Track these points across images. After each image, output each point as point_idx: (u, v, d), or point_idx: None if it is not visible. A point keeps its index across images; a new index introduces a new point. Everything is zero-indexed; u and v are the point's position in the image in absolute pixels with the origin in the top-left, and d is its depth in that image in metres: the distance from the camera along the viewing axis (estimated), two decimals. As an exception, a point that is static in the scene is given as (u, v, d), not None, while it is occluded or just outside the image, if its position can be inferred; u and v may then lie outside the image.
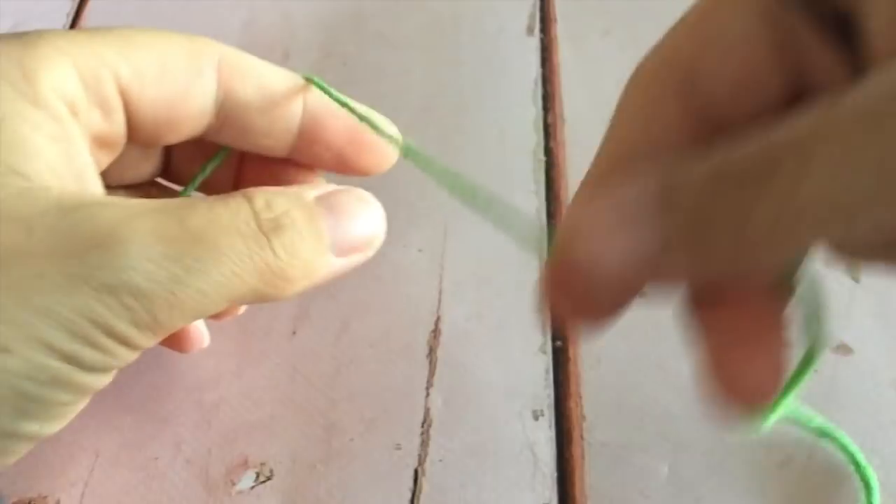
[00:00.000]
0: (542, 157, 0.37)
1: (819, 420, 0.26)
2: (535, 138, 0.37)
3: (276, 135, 0.27)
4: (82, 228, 0.20)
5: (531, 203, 0.35)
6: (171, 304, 0.21)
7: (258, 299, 0.24)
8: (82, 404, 0.23)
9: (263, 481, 0.29)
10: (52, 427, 0.22)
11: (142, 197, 0.28)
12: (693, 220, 0.15)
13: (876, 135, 0.13)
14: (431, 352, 0.32)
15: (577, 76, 0.39)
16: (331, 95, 0.27)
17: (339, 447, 0.30)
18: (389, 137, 0.28)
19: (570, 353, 0.32)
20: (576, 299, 0.17)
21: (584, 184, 0.20)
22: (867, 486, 0.27)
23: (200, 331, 0.31)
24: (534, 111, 0.38)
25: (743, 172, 0.14)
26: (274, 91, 0.27)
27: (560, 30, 0.41)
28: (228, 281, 0.22)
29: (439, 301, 0.33)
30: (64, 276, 0.20)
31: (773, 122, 0.15)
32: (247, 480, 0.29)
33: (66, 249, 0.20)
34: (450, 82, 0.39)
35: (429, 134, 0.37)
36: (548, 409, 0.30)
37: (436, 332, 0.32)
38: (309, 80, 0.27)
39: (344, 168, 0.28)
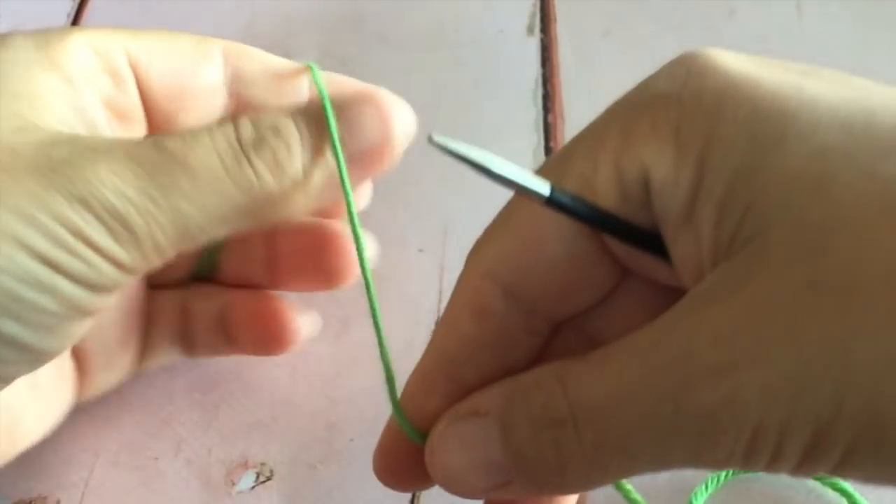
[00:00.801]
0: (542, 158, 0.37)
1: None
2: (535, 138, 0.37)
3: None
4: (63, 151, 0.21)
5: (531, 203, 0.35)
6: (148, 221, 0.22)
7: (261, 219, 0.24)
8: (79, 325, 0.23)
9: (263, 481, 0.29)
10: (44, 339, 0.22)
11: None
12: (525, 462, 0.19)
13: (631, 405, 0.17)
14: (431, 352, 0.32)
15: (577, 76, 0.39)
16: (320, 90, 0.27)
17: (339, 447, 0.30)
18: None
19: (570, 353, 0.31)
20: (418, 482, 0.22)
21: (421, 374, 0.22)
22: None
23: (290, 327, 0.30)
24: (534, 111, 0.38)
25: (556, 424, 0.18)
26: (279, 70, 0.28)
27: (560, 30, 0.41)
28: (207, 198, 0.22)
29: (439, 301, 0.33)
30: (41, 186, 0.21)
31: (597, 313, 0.21)
32: (247, 480, 0.29)
33: (46, 167, 0.21)
34: (450, 82, 0.39)
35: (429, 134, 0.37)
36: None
37: (436, 332, 0.32)
38: (308, 69, 0.27)
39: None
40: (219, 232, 0.23)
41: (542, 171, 0.20)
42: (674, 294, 0.18)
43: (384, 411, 0.30)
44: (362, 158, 0.24)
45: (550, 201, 0.18)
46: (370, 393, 0.31)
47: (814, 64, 0.41)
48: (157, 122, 0.27)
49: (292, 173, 0.23)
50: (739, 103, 0.17)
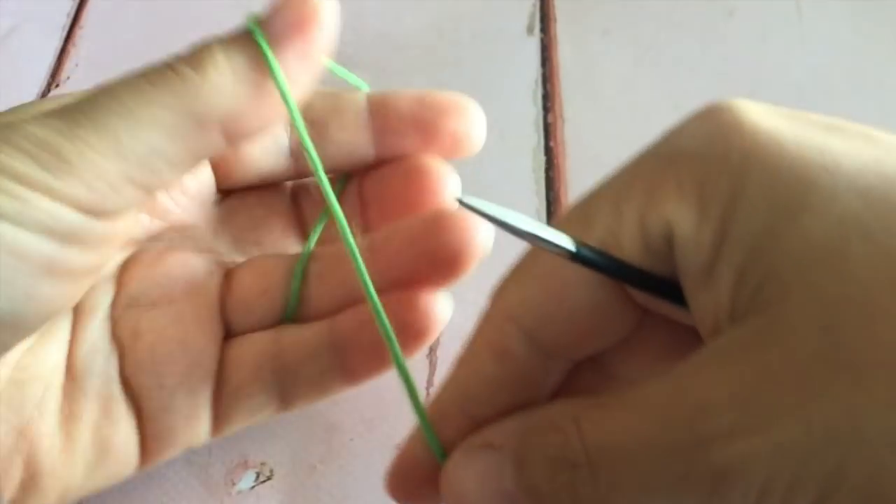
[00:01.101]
0: (542, 157, 0.37)
1: None
2: (535, 138, 0.37)
3: (349, 134, 0.28)
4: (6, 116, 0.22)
5: (531, 203, 0.35)
6: (80, 147, 0.21)
7: (211, 132, 0.23)
8: (60, 286, 0.22)
9: (263, 481, 0.29)
10: (18, 304, 0.22)
11: None
12: (540, 498, 0.19)
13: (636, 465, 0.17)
14: (431, 352, 0.32)
15: (577, 76, 0.39)
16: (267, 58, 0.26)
17: (339, 447, 0.30)
18: (355, 82, 0.28)
19: (570, 353, 0.32)
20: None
21: (438, 407, 0.22)
22: None
23: (431, 316, 0.27)
24: (534, 111, 0.38)
25: (572, 466, 0.18)
26: (333, 91, 0.28)
27: (560, 30, 0.41)
28: (137, 111, 0.22)
29: (439, 301, 0.33)
30: None
31: (617, 354, 0.21)
32: (247, 480, 0.29)
33: None
34: (450, 82, 0.39)
35: (429, 134, 0.37)
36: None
37: (436, 332, 0.32)
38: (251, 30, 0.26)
39: (432, 144, 0.28)
40: (176, 153, 0.22)
41: (565, 220, 0.21)
42: (692, 334, 0.19)
43: (384, 412, 0.30)
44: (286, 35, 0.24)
45: (576, 256, 0.19)
46: (370, 393, 0.31)
47: (814, 64, 0.41)
48: (221, 155, 0.28)
49: (214, 65, 0.23)
50: (763, 168, 0.18)
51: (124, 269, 0.28)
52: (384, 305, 0.24)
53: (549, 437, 0.19)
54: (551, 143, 0.37)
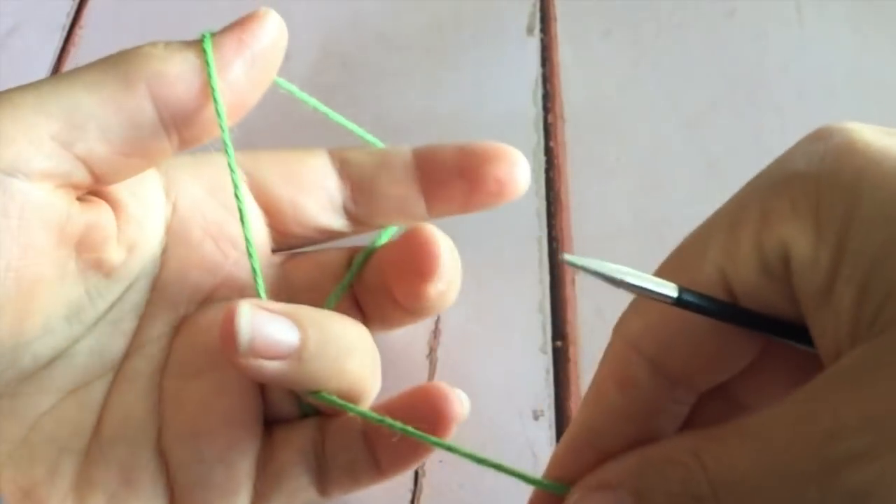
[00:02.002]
0: (542, 157, 0.37)
1: None
2: (535, 138, 0.37)
3: (399, 188, 0.28)
4: None
5: (531, 203, 0.35)
6: None
7: (160, 112, 0.24)
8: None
9: (263, 481, 0.29)
10: None
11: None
12: None
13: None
14: (431, 352, 0.32)
15: (577, 76, 0.39)
16: (296, 94, 0.27)
17: (339, 447, 0.30)
18: (367, 139, 0.28)
19: (570, 353, 0.31)
20: None
21: (568, 442, 0.22)
22: None
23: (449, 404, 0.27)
24: (534, 111, 0.38)
25: (697, 500, 0.18)
26: (380, 150, 0.29)
27: (560, 30, 0.41)
28: (64, 73, 0.23)
29: (439, 301, 0.33)
30: None
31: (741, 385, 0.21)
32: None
33: None
34: (450, 82, 0.39)
35: (429, 134, 0.37)
36: (548, 409, 0.30)
37: (436, 332, 0.32)
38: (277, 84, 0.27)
39: (478, 191, 0.29)
40: (104, 113, 0.23)
41: (681, 248, 0.21)
42: (817, 359, 0.19)
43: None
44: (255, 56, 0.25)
45: (679, 302, 0.19)
46: (370, 393, 0.31)
47: (814, 64, 0.41)
48: (280, 208, 0.28)
49: (150, 43, 0.24)
50: (879, 184, 0.17)
51: (176, 333, 0.27)
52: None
53: (670, 472, 0.19)
54: (551, 143, 0.37)
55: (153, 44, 0.24)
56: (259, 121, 0.28)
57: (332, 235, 0.30)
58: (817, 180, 0.18)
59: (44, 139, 0.22)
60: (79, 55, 0.41)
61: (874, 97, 0.37)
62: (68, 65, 0.41)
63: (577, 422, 0.22)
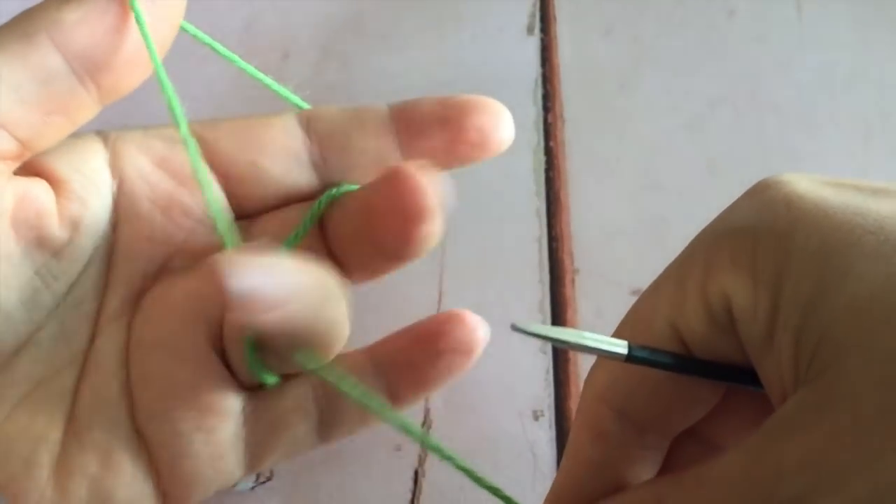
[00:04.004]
0: (542, 157, 0.37)
1: None
2: (535, 138, 0.37)
3: (373, 141, 0.27)
4: None
5: (531, 203, 0.35)
6: None
7: (70, 61, 0.23)
8: None
9: (263, 482, 0.29)
10: None
11: None
12: None
13: None
14: (431, 352, 0.32)
15: (577, 76, 0.39)
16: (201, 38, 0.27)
17: (339, 447, 0.30)
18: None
19: (570, 353, 0.32)
20: None
21: (553, 496, 0.23)
22: None
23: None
24: (534, 111, 0.38)
25: None
26: (354, 110, 0.28)
27: (560, 30, 0.41)
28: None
29: (439, 301, 0.33)
30: None
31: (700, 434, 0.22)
32: (247, 481, 0.29)
33: None
34: (450, 82, 0.39)
35: (429, 134, 0.37)
36: (548, 409, 0.30)
37: (436, 333, 0.32)
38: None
39: (459, 141, 0.27)
40: (10, 71, 0.23)
41: (638, 300, 0.22)
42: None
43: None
44: None
45: (630, 359, 0.20)
46: (370, 393, 0.31)
47: (814, 64, 0.41)
48: (237, 173, 0.27)
49: None
50: (809, 235, 0.18)
51: (136, 310, 0.26)
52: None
53: None
54: (551, 143, 0.37)
55: None
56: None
57: (301, 197, 0.29)
58: (754, 233, 0.19)
59: None
60: (79, 55, 0.41)
61: (874, 97, 0.37)
62: (68, 65, 0.41)
63: (560, 474, 0.23)
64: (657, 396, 0.21)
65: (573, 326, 0.32)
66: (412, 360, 0.26)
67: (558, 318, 0.32)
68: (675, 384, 0.21)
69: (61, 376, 0.25)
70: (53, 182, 0.25)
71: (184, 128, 0.25)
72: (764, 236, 0.19)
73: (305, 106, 0.28)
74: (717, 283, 0.20)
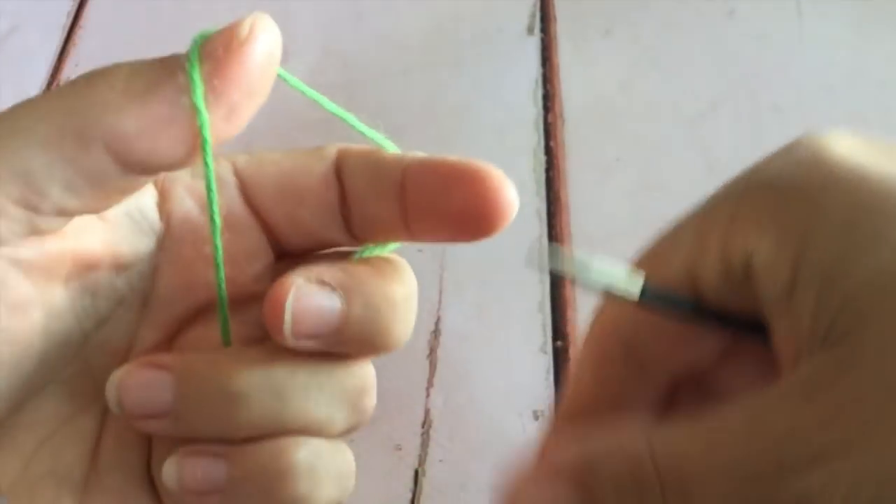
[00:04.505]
0: (543, 157, 0.37)
1: None
2: (535, 138, 0.37)
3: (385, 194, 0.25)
4: None
5: (531, 203, 0.35)
6: None
7: (118, 163, 0.21)
8: None
9: (263, 481, 0.29)
10: None
11: None
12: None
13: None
14: (431, 352, 0.32)
15: (577, 76, 0.39)
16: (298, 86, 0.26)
17: (339, 447, 0.30)
18: (383, 143, 0.27)
19: (570, 353, 0.32)
20: None
21: (555, 422, 0.23)
22: None
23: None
24: (534, 111, 0.38)
25: (642, 489, 0.18)
26: (377, 157, 0.26)
27: (560, 30, 0.41)
28: (15, 125, 0.21)
29: (439, 301, 0.33)
30: None
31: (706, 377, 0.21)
32: (247, 480, 0.29)
33: None
34: (450, 82, 0.39)
35: (429, 134, 0.37)
36: (548, 409, 0.30)
37: (436, 332, 0.32)
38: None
39: (465, 226, 0.25)
40: (60, 171, 0.21)
41: (652, 247, 0.22)
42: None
43: (384, 411, 0.30)
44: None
45: (643, 302, 0.20)
46: (370, 393, 0.31)
47: (814, 64, 0.41)
48: (276, 222, 0.26)
49: (109, 80, 0.21)
50: (840, 198, 0.18)
51: (168, 352, 0.26)
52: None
53: (618, 459, 0.19)
54: (551, 143, 0.37)
55: (114, 79, 0.21)
56: (259, 120, 0.28)
57: (334, 244, 0.29)
58: (783, 191, 0.19)
59: (7, 206, 0.21)
60: (79, 55, 0.41)
61: (874, 97, 0.37)
62: (68, 65, 0.41)
63: (563, 403, 0.23)
64: (664, 332, 0.21)
65: (573, 327, 0.32)
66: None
67: (558, 317, 0.32)
68: (681, 327, 0.21)
69: (88, 415, 0.25)
70: (103, 222, 0.25)
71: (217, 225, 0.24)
72: (793, 196, 0.19)
73: (391, 146, 0.27)
74: (740, 236, 0.19)
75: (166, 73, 0.21)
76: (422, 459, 0.29)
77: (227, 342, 0.25)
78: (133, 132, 0.21)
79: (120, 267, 0.25)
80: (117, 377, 0.23)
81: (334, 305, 0.22)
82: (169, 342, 0.26)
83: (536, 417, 0.30)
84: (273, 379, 0.24)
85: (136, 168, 0.22)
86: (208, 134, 0.21)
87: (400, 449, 0.29)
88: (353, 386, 0.26)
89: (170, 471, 0.23)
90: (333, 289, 0.23)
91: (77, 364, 0.25)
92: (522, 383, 0.31)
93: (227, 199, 0.26)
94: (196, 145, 0.22)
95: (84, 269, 0.24)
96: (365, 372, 0.25)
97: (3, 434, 0.24)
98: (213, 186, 0.23)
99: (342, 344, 0.23)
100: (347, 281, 0.23)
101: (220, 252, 0.24)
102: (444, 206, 0.26)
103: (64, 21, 0.43)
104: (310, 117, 0.30)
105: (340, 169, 0.27)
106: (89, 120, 0.21)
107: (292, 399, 0.24)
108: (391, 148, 0.27)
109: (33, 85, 0.40)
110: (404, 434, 0.27)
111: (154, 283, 0.26)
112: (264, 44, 0.22)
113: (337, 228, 0.27)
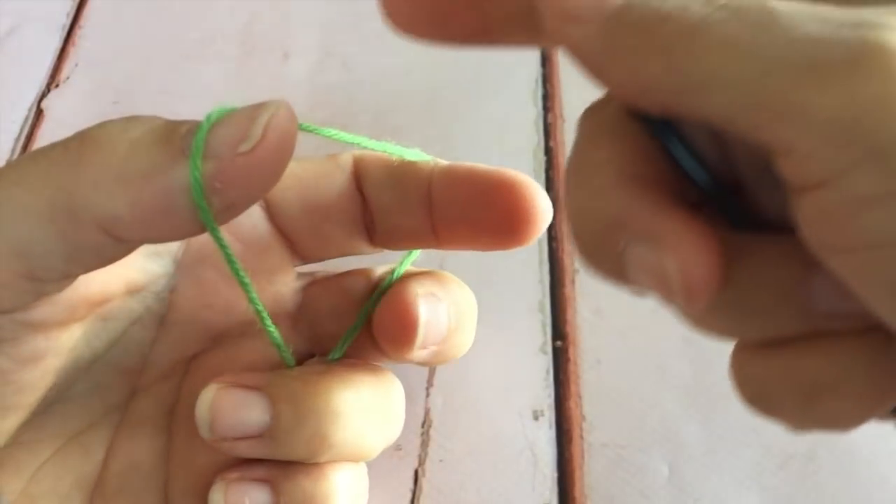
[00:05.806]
0: (543, 157, 0.37)
1: None
2: (535, 138, 0.37)
3: (412, 205, 0.26)
4: None
5: (531, 203, 0.35)
6: None
7: (113, 239, 0.20)
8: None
9: (263, 481, 0.29)
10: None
11: None
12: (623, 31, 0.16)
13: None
14: (431, 352, 0.32)
15: (577, 76, 0.39)
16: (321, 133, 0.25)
17: (339, 447, 0.30)
18: (417, 157, 0.26)
19: (570, 353, 0.32)
20: None
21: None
22: None
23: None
24: (534, 111, 0.38)
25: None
26: (396, 165, 0.26)
27: (560, 30, 0.41)
28: (9, 196, 0.20)
29: (439, 301, 0.33)
30: None
31: None
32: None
33: None
34: (450, 82, 0.39)
35: (429, 134, 0.37)
36: (548, 409, 0.30)
37: (436, 332, 0.32)
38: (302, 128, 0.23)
39: (501, 236, 0.26)
40: (56, 245, 0.20)
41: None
42: None
43: (384, 411, 0.30)
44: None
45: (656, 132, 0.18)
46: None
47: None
48: (300, 238, 0.26)
49: (104, 152, 0.20)
50: None
51: (186, 373, 0.26)
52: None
53: None
54: (551, 143, 0.37)
55: (110, 156, 0.20)
56: None
57: (354, 250, 0.28)
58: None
59: (14, 280, 0.20)
60: (79, 55, 0.41)
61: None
62: (68, 65, 0.41)
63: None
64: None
65: (573, 327, 0.32)
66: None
67: (558, 317, 0.32)
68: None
69: (94, 434, 0.24)
70: None
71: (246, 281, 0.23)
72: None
73: (416, 155, 0.27)
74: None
75: (167, 159, 0.19)
76: (422, 459, 0.29)
77: (289, 364, 0.24)
78: (127, 219, 0.20)
79: (133, 289, 0.25)
80: (209, 398, 0.22)
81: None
82: (186, 362, 0.26)
83: (536, 417, 0.30)
84: (364, 398, 0.24)
85: (134, 244, 0.21)
86: (211, 220, 0.20)
87: (400, 449, 0.29)
88: (396, 413, 0.26)
89: (217, 498, 0.23)
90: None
91: (85, 382, 0.24)
92: (522, 383, 0.31)
93: (252, 220, 0.25)
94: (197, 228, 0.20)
95: (97, 305, 0.24)
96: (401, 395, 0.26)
97: (4, 452, 0.23)
98: (234, 259, 0.22)
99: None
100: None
101: (259, 304, 0.23)
102: (478, 216, 0.26)
103: (64, 21, 0.43)
104: (310, 117, 0.30)
105: (361, 179, 0.26)
106: (79, 199, 0.19)
107: (359, 421, 0.23)
108: (416, 156, 0.26)
109: (33, 85, 0.40)
110: (404, 434, 0.27)
111: (172, 303, 0.26)
112: (276, 145, 0.20)
113: (359, 238, 0.27)
